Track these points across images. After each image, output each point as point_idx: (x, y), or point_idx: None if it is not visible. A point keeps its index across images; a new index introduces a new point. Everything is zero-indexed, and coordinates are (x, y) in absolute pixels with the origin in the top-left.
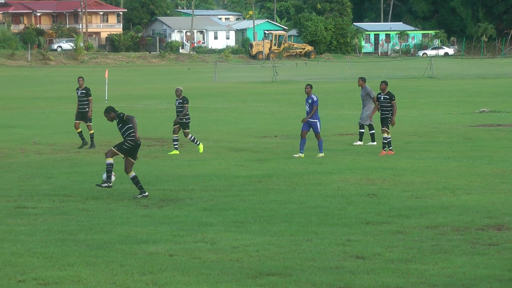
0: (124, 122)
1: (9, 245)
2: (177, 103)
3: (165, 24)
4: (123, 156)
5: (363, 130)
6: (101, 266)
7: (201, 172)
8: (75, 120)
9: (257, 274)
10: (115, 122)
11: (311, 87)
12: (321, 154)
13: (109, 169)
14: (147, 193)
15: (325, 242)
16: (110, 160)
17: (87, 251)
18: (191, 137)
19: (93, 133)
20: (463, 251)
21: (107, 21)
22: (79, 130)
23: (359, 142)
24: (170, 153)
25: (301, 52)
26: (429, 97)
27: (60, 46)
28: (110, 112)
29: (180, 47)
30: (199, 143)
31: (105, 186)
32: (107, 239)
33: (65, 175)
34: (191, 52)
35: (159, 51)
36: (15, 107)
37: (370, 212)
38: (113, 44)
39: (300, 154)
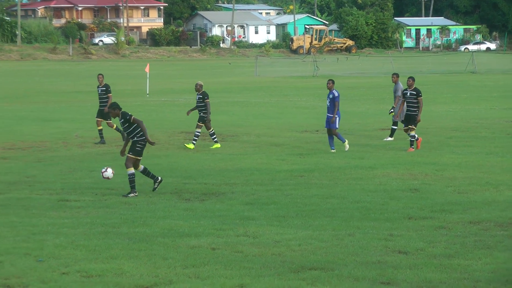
0: (130, 123)
1: (52, 237)
2: (197, 98)
3: (206, 18)
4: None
5: (395, 127)
6: (143, 259)
7: (242, 166)
8: (96, 117)
9: (299, 268)
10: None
11: (333, 82)
12: (347, 145)
13: (132, 179)
14: (160, 178)
15: (368, 237)
16: (131, 170)
17: (129, 244)
18: (198, 132)
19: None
20: (506, 247)
21: (148, 16)
22: (100, 127)
23: (390, 138)
24: (212, 147)
25: (342, 46)
26: (471, 92)
27: (102, 40)
28: (115, 109)
29: (221, 42)
30: (188, 143)
31: (132, 196)
32: (150, 232)
33: None
34: (232, 47)
35: (200, 45)
36: (57, 100)
37: (412, 207)
38: (154, 38)
39: (332, 150)
